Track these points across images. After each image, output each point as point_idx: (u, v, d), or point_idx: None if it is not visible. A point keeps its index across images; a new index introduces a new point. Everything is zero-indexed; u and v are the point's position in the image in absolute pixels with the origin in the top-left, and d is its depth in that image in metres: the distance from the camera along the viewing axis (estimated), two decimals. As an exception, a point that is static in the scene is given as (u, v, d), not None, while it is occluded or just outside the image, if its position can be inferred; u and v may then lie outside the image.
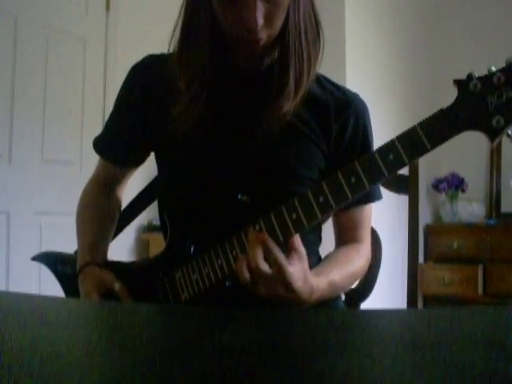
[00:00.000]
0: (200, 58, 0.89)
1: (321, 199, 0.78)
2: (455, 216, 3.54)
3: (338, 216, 1.01)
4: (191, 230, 0.94)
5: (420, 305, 3.38)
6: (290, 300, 0.78)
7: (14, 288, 2.26)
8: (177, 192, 0.99)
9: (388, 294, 2.29)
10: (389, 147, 0.75)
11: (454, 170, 3.56)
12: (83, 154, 2.57)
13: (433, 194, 3.68)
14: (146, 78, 1.00)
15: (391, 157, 0.75)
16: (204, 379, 0.39)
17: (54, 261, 1.12)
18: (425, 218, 3.56)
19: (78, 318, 0.69)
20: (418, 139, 0.73)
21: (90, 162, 1.18)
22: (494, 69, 0.72)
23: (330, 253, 0.98)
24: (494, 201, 3.64)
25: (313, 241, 1.05)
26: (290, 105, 0.89)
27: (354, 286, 1.05)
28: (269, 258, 0.77)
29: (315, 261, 1.03)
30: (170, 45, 0.92)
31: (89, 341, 0.54)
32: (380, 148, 0.76)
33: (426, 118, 0.74)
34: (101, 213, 1.08)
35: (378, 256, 1.15)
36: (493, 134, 0.72)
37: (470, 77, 0.73)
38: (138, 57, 1.03)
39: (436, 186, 3.58)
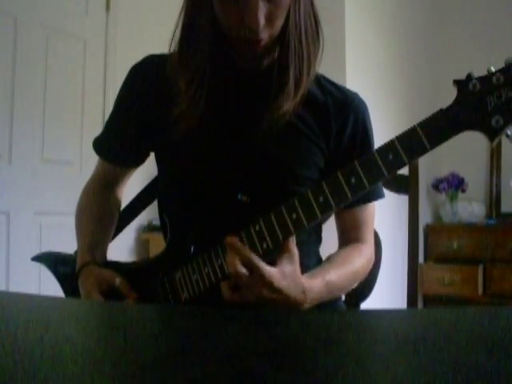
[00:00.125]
0: (200, 58, 0.89)
1: (321, 199, 0.78)
2: (455, 216, 3.54)
3: (340, 216, 1.01)
4: (191, 230, 0.94)
5: (420, 305, 3.38)
6: (280, 301, 0.77)
7: (14, 288, 2.26)
8: (177, 192, 0.99)
9: (388, 294, 2.29)
10: (388, 147, 0.75)
11: (454, 170, 3.56)
12: (83, 154, 2.57)
13: (433, 194, 3.68)
14: (146, 78, 1.00)
15: (391, 157, 0.75)
16: (204, 379, 0.39)
17: (53, 261, 1.12)
18: (425, 217, 3.56)
19: (78, 317, 0.69)
20: (418, 139, 0.73)
21: (90, 162, 1.18)
22: (493, 69, 0.72)
23: (332, 254, 0.98)
24: (494, 201, 3.64)
25: (313, 241, 1.05)
26: (289, 104, 0.89)
27: (355, 285, 1.05)
28: (244, 261, 0.77)
29: (315, 261, 1.03)
30: (170, 45, 0.92)
31: (89, 341, 0.54)
32: (380, 148, 0.76)
33: (426, 118, 0.74)
34: (100, 213, 1.08)
35: (378, 256, 1.15)
36: (492, 133, 0.72)
37: (469, 77, 0.73)
38: (138, 57, 1.03)
39: (436, 186, 3.58)
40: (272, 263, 0.79)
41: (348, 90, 1.01)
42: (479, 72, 0.74)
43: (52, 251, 1.15)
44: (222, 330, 0.58)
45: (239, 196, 0.91)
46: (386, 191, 1.21)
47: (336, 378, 0.40)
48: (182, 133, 0.91)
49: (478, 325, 0.61)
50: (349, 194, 0.77)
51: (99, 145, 1.09)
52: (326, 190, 0.78)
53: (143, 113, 0.99)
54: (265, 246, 0.81)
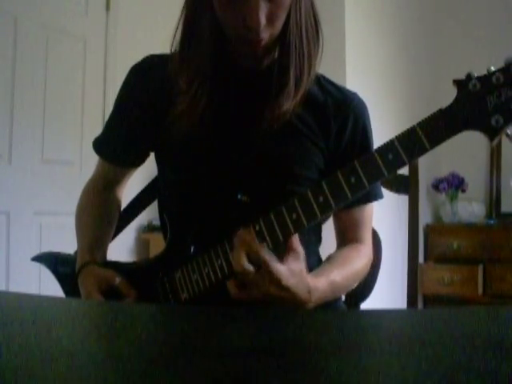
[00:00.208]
0: (201, 58, 0.89)
1: (320, 199, 0.78)
2: (455, 216, 3.54)
3: (338, 216, 1.01)
4: (191, 230, 0.94)
5: (420, 305, 3.38)
6: (287, 299, 0.77)
7: (14, 288, 2.26)
8: (177, 192, 0.99)
9: (388, 294, 2.29)
10: (388, 147, 0.75)
11: (454, 170, 3.56)
12: (83, 154, 2.57)
13: (433, 194, 3.68)
14: (146, 78, 1.00)
15: (390, 156, 0.75)
16: (204, 379, 0.39)
17: (53, 261, 1.12)
18: (425, 217, 3.56)
19: (78, 317, 0.69)
20: (418, 139, 0.73)
21: (90, 162, 1.18)
22: (493, 68, 0.72)
23: (331, 254, 0.98)
24: (494, 201, 3.64)
25: (313, 241, 1.05)
26: (290, 104, 0.89)
27: (355, 286, 1.05)
28: (252, 257, 0.76)
29: (315, 261, 1.03)
30: (171, 44, 0.92)
31: (89, 341, 0.54)
32: (379, 148, 0.76)
33: (426, 118, 0.74)
34: (100, 213, 1.08)
35: (378, 256, 1.15)
36: (492, 133, 0.72)
37: (469, 77, 0.73)
38: (138, 57, 1.03)
39: (436, 186, 3.58)
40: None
41: (348, 90, 1.01)
42: (479, 71, 0.74)
43: (52, 251, 1.15)
44: (222, 329, 0.58)
45: (239, 196, 0.91)
46: (385, 191, 1.21)
47: (336, 378, 0.40)
48: (182, 132, 0.91)
49: (478, 325, 0.61)
50: (348, 194, 0.77)
51: (99, 145, 1.09)
52: (326, 190, 0.78)
53: (143, 113, 0.99)
54: (265, 245, 0.81)
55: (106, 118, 1.09)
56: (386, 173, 0.75)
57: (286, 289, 0.76)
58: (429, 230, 3.53)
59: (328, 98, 0.97)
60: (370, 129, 1.00)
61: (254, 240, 0.78)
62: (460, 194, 3.57)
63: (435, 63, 3.76)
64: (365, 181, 0.76)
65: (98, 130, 1.13)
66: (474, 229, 3.39)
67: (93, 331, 0.60)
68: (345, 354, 0.47)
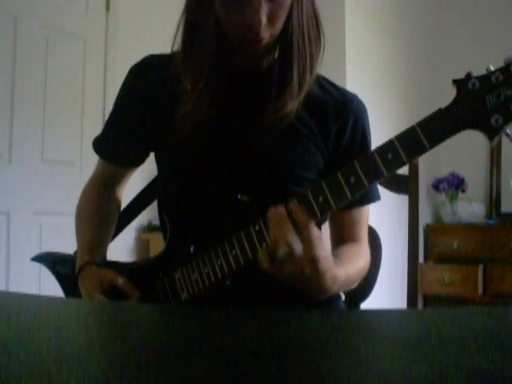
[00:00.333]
0: (206, 58, 0.89)
1: (320, 199, 0.78)
2: (455, 216, 3.54)
3: (335, 216, 1.01)
4: (191, 230, 0.94)
5: (420, 305, 3.38)
6: (313, 284, 0.77)
7: (14, 288, 2.26)
8: (176, 192, 0.99)
9: (388, 294, 2.29)
10: (388, 147, 0.75)
11: (454, 170, 3.56)
12: (83, 154, 2.57)
13: (433, 194, 3.68)
14: (146, 78, 1.00)
15: (390, 156, 0.75)
16: (204, 379, 0.39)
17: (53, 261, 1.12)
18: (425, 218, 3.56)
19: (78, 317, 0.69)
20: (417, 138, 0.73)
21: (90, 162, 1.18)
22: (492, 68, 0.72)
23: (336, 250, 0.97)
24: (494, 201, 3.64)
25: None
26: (294, 104, 0.89)
27: (354, 285, 1.05)
28: (299, 231, 0.75)
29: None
30: (172, 44, 0.92)
31: (89, 341, 0.54)
32: (379, 147, 0.76)
33: (425, 118, 0.74)
34: (100, 213, 1.08)
35: (378, 256, 1.15)
36: (491, 132, 0.72)
37: (468, 76, 0.73)
38: (138, 57, 1.03)
39: (436, 186, 3.58)
40: None
41: (347, 91, 1.02)
42: (479, 71, 0.74)
43: (52, 251, 1.15)
44: (222, 329, 0.58)
45: (239, 196, 0.91)
46: (385, 191, 1.21)
47: (336, 378, 0.40)
48: (184, 133, 0.91)
49: (478, 325, 0.61)
50: (348, 194, 0.77)
51: (99, 145, 1.09)
52: (326, 190, 0.78)
53: (143, 113, 0.99)
54: (264, 245, 0.81)
55: (106, 118, 1.09)
56: (385, 172, 0.75)
57: (318, 271, 0.75)
58: (429, 230, 3.53)
59: (328, 99, 0.97)
60: (369, 130, 1.00)
61: (304, 213, 0.76)
62: (460, 194, 3.57)
63: (435, 63, 3.77)
64: (364, 180, 0.76)
65: (97, 129, 1.13)
66: (474, 229, 3.40)
67: (93, 331, 0.60)
68: (345, 354, 0.47)
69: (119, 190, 1.14)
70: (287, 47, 0.88)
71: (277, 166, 0.93)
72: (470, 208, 3.51)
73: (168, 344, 0.51)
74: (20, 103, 2.38)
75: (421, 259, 3.45)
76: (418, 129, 0.74)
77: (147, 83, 0.99)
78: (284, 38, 0.88)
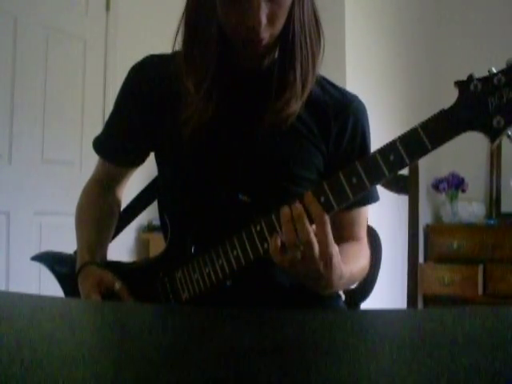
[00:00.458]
0: (208, 59, 0.89)
1: (322, 199, 0.78)
2: (455, 216, 3.54)
3: (335, 215, 1.01)
4: (192, 229, 0.94)
5: (420, 305, 3.38)
6: (323, 278, 0.77)
7: (14, 288, 2.26)
8: (177, 192, 0.99)
9: (388, 294, 2.29)
10: (390, 148, 0.75)
11: (454, 170, 3.56)
12: (83, 154, 2.57)
13: (433, 194, 3.68)
14: (146, 78, 1.00)
15: (392, 157, 0.75)
16: (204, 379, 0.39)
17: (53, 261, 1.12)
18: (425, 218, 3.56)
19: (78, 317, 0.69)
20: (419, 140, 0.73)
21: (90, 162, 1.18)
22: (494, 70, 0.72)
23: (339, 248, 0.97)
24: (494, 201, 3.64)
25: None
26: (298, 104, 0.89)
27: (355, 284, 1.05)
28: (316, 226, 0.76)
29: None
30: (174, 44, 0.92)
31: (89, 341, 0.54)
32: (381, 148, 0.76)
33: (427, 119, 0.74)
34: (100, 213, 1.08)
35: (378, 256, 1.15)
36: (493, 134, 0.72)
37: (470, 78, 0.73)
38: (138, 57, 1.03)
39: (436, 186, 3.58)
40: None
41: (348, 92, 1.01)
42: (478, 71, 0.74)
43: (52, 251, 1.15)
44: (223, 329, 0.58)
45: (240, 196, 0.91)
46: (386, 191, 1.21)
47: (336, 378, 0.40)
48: (187, 134, 0.90)
49: (478, 325, 0.61)
50: (350, 195, 0.77)
51: (99, 144, 1.09)
52: (328, 191, 0.78)
53: (143, 113, 0.99)
54: (266, 246, 0.81)
55: (106, 118, 1.09)
56: (387, 173, 0.75)
57: (331, 268, 0.77)
58: (429, 229, 3.53)
59: (328, 100, 0.97)
60: (369, 132, 1.00)
61: (320, 207, 0.76)
62: (460, 194, 3.57)
63: (435, 63, 3.77)
64: (366, 181, 0.76)
65: (97, 129, 1.13)
66: (474, 229, 3.40)
67: (93, 331, 0.60)
68: (345, 354, 0.47)
69: (119, 189, 1.14)
70: (288, 48, 0.88)
71: (277, 166, 0.93)
72: (470, 208, 3.51)
73: (168, 344, 0.51)
74: (20, 103, 2.38)
75: (421, 259, 3.45)
76: (420, 130, 0.74)
77: (148, 83, 0.99)
78: (285, 39, 0.88)
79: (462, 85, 0.74)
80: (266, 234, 0.81)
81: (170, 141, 0.96)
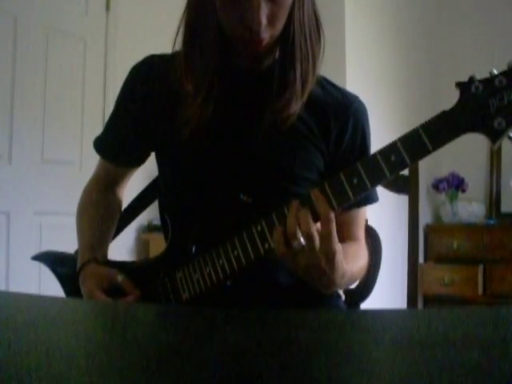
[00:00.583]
0: (208, 60, 0.89)
1: (322, 200, 0.78)
2: (455, 216, 3.54)
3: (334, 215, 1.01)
4: (193, 229, 0.94)
5: (420, 305, 3.37)
6: (325, 276, 0.78)
7: (14, 288, 2.26)
8: (178, 192, 0.99)
9: (388, 294, 2.29)
10: (391, 148, 0.75)
11: (454, 170, 3.56)
12: (83, 154, 2.57)
13: (433, 194, 3.68)
14: (147, 78, 1.00)
15: (393, 158, 0.75)
16: (204, 379, 0.39)
17: (53, 260, 1.12)
18: (425, 218, 3.56)
19: (78, 317, 0.69)
20: (420, 141, 0.73)
21: (90, 162, 1.18)
22: (495, 71, 0.72)
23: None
24: (493, 201, 3.64)
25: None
26: (298, 105, 0.89)
27: (354, 284, 1.05)
28: (321, 223, 0.76)
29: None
30: (174, 44, 0.92)
31: (89, 341, 0.54)
32: (382, 149, 0.76)
33: (428, 120, 0.74)
34: (101, 212, 1.08)
35: (378, 256, 1.15)
36: (494, 136, 0.72)
37: (471, 79, 0.73)
38: (138, 57, 1.03)
39: (436, 186, 3.58)
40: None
41: (348, 92, 1.02)
42: (478, 71, 0.74)
43: (52, 250, 1.15)
44: (223, 330, 0.58)
45: (241, 196, 0.91)
46: (386, 191, 1.21)
47: (336, 378, 0.40)
48: (187, 134, 0.91)
49: (478, 325, 0.61)
50: (351, 195, 0.77)
51: (100, 144, 1.09)
52: (328, 191, 0.78)
53: (144, 113, 0.99)
54: (266, 246, 0.81)
55: (106, 118, 1.09)
56: (388, 174, 0.75)
57: (332, 264, 0.77)
58: (429, 229, 3.53)
59: (328, 100, 0.97)
60: (369, 132, 1.00)
61: (326, 203, 0.77)
62: (460, 194, 3.57)
63: (435, 63, 3.76)
64: (367, 182, 0.76)
65: (98, 129, 1.13)
66: (474, 229, 3.40)
67: (93, 331, 0.60)
68: (345, 354, 0.47)
69: (120, 189, 1.14)
70: (289, 48, 0.88)
71: (278, 167, 0.93)
72: (470, 208, 3.51)
73: (168, 344, 0.51)
74: (20, 103, 2.38)
75: (421, 259, 3.45)
76: (421, 131, 0.74)
77: (148, 83, 0.99)
78: (285, 39, 0.88)
79: (463, 86, 0.74)
80: (267, 234, 0.81)
81: (170, 141, 0.96)
